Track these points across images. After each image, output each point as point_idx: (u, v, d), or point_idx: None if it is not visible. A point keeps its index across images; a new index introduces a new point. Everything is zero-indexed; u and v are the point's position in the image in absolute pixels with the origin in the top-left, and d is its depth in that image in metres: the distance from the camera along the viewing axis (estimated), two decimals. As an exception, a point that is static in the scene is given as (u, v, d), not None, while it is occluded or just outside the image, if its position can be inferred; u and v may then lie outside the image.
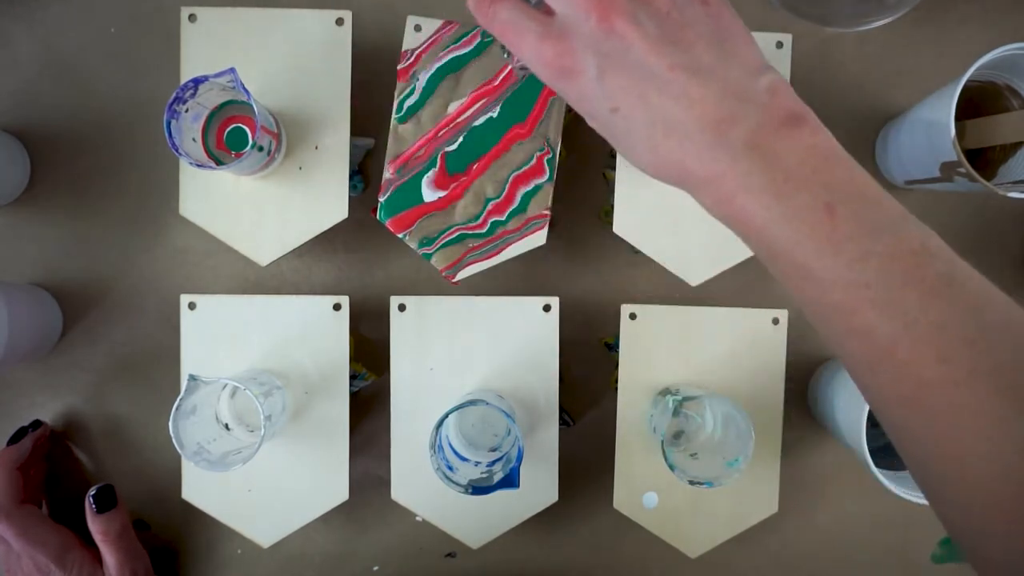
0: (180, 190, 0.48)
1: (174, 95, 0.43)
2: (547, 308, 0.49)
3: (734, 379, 0.50)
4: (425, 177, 0.48)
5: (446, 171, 0.48)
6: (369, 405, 0.56)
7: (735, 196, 0.30)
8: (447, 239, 0.48)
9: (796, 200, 0.29)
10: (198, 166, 0.43)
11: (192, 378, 0.42)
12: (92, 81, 0.55)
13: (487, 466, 0.46)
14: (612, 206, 0.49)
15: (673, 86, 0.30)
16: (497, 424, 0.50)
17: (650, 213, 0.49)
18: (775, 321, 0.50)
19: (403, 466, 0.49)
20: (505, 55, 0.47)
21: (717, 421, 0.50)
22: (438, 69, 0.48)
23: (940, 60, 0.55)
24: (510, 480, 0.43)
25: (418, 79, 0.48)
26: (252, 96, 0.43)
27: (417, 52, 0.48)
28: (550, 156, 0.48)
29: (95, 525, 0.49)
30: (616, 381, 0.50)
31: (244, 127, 0.48)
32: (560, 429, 0.50)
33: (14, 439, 0.52)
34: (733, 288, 0.55)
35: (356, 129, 0.49)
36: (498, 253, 0.48)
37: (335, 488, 0.49)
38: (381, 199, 0.48)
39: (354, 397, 0.53)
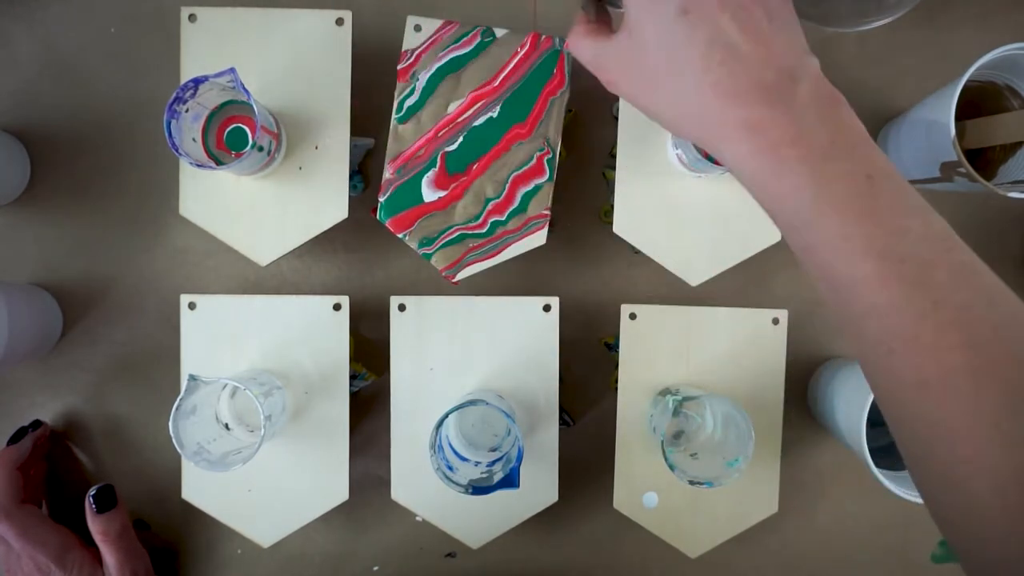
0: (180, 190, 0.48)
1: (174, 95, 0.43)
2: (547, 308, 0.49)
3: (734, 379, 0.50)
4: (425, 177, 0.48)
5: (446, 171, 0.48)
6: (369, 405, 0.56)
7: (779, 146, 0.29)
8: (447, 239, 0.48)
9: (841, 165, 0.28)
10: (198, 166, 0.43)
11: (192, 378, 0.42)
12: (92, 81, 0.55)
13: (487, 466, 0.46)
14: (612, 206, 0.49)
15: (749, 21, 0.29)
16: (497, 424, 0.50)
17: (650, 213, 0.49)
18: (775, 321, 0.50)
19: (403, 466, 0.49)
20: None
21: (717, 421, 0.50)
22: (438, 69, 0.48)
23: (940, 60, 0.55)
24: (510, 480, 0.43)
25: (418, 79, 0.48)
26: (252, 96, 0.43)
27: (417, 52, 0.48)
28: (550, 156, 0.48)
29: (95, 525, 0.49)
30: (616, 381, 0.50)
31: (244, 127, 0.48)
32: (560, 429, 0.50)
33: (14, 439, 0.52)
34: (733, 288, 0.55)
35: (356, 129, 0.49)
36: (498, 253, 0.48)
37: (335, 488, 0.49)
38: (381, 199, 0.48)
39: (354, 397, 0.53)
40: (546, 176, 0.48)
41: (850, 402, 0.48)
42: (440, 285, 0.54)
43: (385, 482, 0.51)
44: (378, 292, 0.56)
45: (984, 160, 0.50)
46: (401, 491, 0.50)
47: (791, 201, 0.29)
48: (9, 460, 0.50)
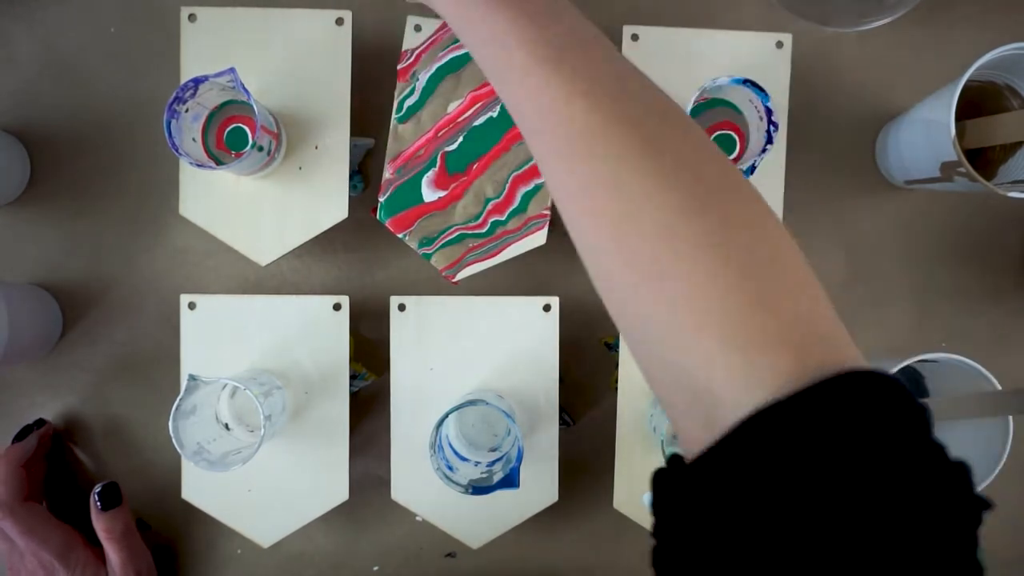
0: (180, 190, 0.48)
1: (174, 95, 0.43)
2: (547, 308, 0.49)
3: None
4: (425, 177, 0.48)
5: (446, 171, 0.48)
6: (369, 405, 0.56)
7: None
8: (447, 239, 0.48)
9: None
10: (198, 166, 0.43)
11: (192, 378, 0.42)
12: (92, 81, 0.55)
13: (487, 466, 0.46)
14: (612, 206, 0.49)
15: None
16: (497, 424, 0.50)
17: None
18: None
19: (403, 466, 0.49)
20: None
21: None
22: (438, 69, 0.48)
23: (940, 60, 0.55)
24: (510, 480, 0.43)
25: (418, 79, 0.48)
26: (252, 96, 0.43)
27: (417, 52, 0.48)
28: (550, 156, 0.48)
29: (99, 523, 0.49)
30: (616, 381, 0.50)
31: (244, 127, 0.48)
32: (560, 429, 0.50)
33: (19, 436, 0.52)
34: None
35: (356, 129, 0.49)
36: (498, 253, 0.48)
37: (335, 488, 0.49)
38: (381, 199, 0.48)
39: (354, 397, 0.53)
40: (546, 176, 0.48)
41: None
42: (440, 285, 0.54)
43: (385, 482, 0.51)
44: (378, 292, 0.56)
45: (984, 160, 0.50)
46: (401, 491, 0.50)
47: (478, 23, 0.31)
48: (14, 457, 0.50)
